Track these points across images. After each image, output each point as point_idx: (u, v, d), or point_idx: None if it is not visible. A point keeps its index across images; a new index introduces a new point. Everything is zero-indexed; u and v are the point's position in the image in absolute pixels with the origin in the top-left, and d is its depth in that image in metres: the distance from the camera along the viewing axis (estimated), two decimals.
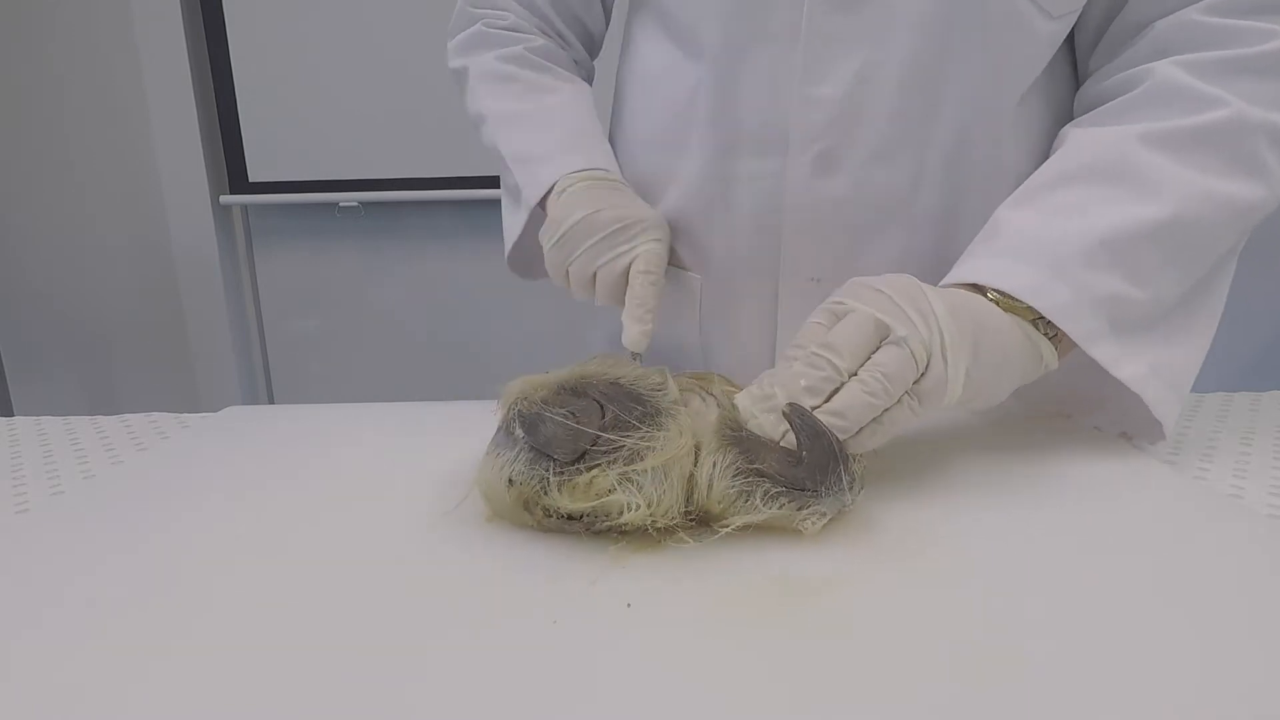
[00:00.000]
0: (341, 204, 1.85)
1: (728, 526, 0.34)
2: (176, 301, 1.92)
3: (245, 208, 1.91)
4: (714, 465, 0.35)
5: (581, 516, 0.34)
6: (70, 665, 0.27)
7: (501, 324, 1.93)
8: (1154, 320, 0.45)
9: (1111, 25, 0.50)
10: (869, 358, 0.37)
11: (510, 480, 0.35)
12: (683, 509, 0.34)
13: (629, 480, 0.33)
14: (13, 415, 0.61)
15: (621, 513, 0.33)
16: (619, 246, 0.53)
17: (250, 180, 1.83)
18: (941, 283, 0.45)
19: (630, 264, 0.53)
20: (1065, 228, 0.44)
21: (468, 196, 1.81)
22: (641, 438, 0.34)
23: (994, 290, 0.43)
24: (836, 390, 0.37)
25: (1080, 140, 0.48)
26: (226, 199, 1.84)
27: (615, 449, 0.34)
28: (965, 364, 0.38)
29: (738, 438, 0.36)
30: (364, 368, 2.01)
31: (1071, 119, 0.53)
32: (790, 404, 0.37)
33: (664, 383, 0.40)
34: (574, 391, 0.38)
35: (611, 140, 0.67)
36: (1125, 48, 0.50)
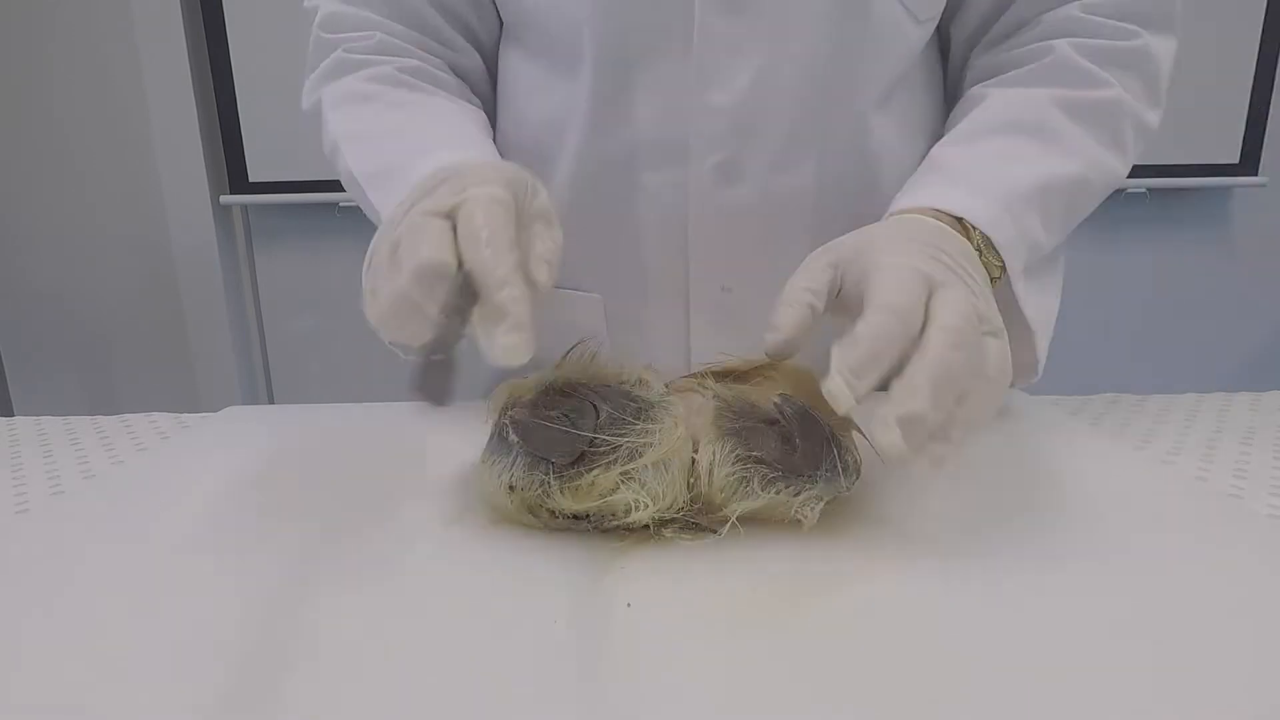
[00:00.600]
0: (341, 204, 1.84)
1: (727, 521, 0.34)
2: (176, 301, 1.92)
3: (245, 208, 1.91)
4: (714, 454, 0.35)
5: (588, 516, 0.34)
6: (71, 665, 0.27)
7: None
8: (1041, 267, 0.49)
9: (997, 23, 0.55)
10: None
11: (511, 486, 0.35)
12: (685, 501, 0.35)
13: (631, 478, 0.33)
14: (13, 415, 0.61)
15: (628, 511, 0.33)
16: (427, 200, 0.36)
17: (250, 180, 1.83)
18: (892, 208, 0.47)
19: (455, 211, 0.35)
20: (1006, 171, 0.47)
21: None
22: (638, 434, 0.34)
23: (949, 216, 0.44)
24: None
25: (1003, 98, 0.51)
26: (226, 199, 1.84)
27: (613, 449, 0.34)
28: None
29: (735, 428, 0.36)
30: (364, 368, 2.00)
31: (939, 112, 0.59)
32: (781, 394, 0.37)
33: (646, 378, 0.40)
34: (563, 392, 0.38)
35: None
36: (1011, 37, 0.54)
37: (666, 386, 0.43)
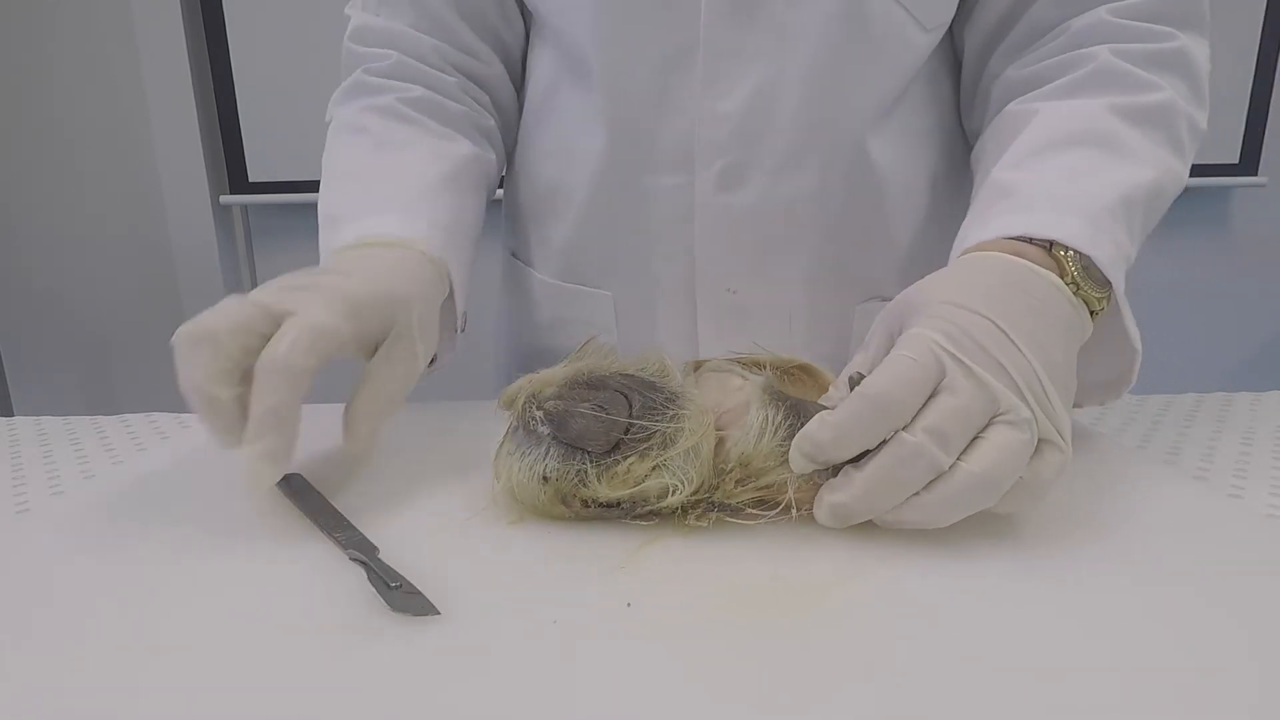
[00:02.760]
0: None
1: (753, 512, 0.35)
2: (176, 301, 1.92)
3: (245, 208, 1.91)
4: (766, 419, 0.35)
5: (619, 503, 0.35)
6: (70, 666, 0.27)
7: (502, 322, 1.93)
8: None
9: (1017, 27, 0.52)
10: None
11: (545, 477, 0.35)
12: (712, 484, 0.35)
13: (665, 464, 0.34)
14: (13, 415, 0.61)
15: (663, 496, 0.34)
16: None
17: (250, 180, 1.83)
18: (963, 244, 0.43)
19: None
20: (1083, 186, 0.43)
21: None
22: (671, 419, 0.35)
23: (1032, 244, 0.40)
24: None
25: (1057, 111, 0.48)
26: (226, 199, 1.84)
27: (648, 436, 0.35)
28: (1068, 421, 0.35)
29: (783, 396, 0.37)
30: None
31: (946, 124, 0.57)
32: (858, 372, 0.36)
33: (666, 368, 0.41)
34: (589, 385, 0.38)
35: (517, 149, 0.64)
36: (1037, 44, 0.52)
37: (697, 365, 0.44)
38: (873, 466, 0.32)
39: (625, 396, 0.37)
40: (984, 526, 0.36)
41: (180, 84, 1.77)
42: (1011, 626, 0.28)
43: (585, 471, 0.35)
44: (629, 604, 0.30)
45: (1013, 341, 0.34)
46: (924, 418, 0.32)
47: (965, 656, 0.26)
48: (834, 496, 0.33)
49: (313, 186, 0.55)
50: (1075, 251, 0.39)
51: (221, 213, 1.88)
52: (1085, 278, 0.39)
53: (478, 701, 0.25)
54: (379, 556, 0.33)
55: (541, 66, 0.60)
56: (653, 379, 0.39)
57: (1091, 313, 0.40)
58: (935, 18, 0.52)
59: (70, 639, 0.28)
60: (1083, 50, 0.49)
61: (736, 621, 0.29)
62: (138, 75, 1.78)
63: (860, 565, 0.33)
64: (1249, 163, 1.81)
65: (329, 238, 0.51)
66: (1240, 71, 1.75)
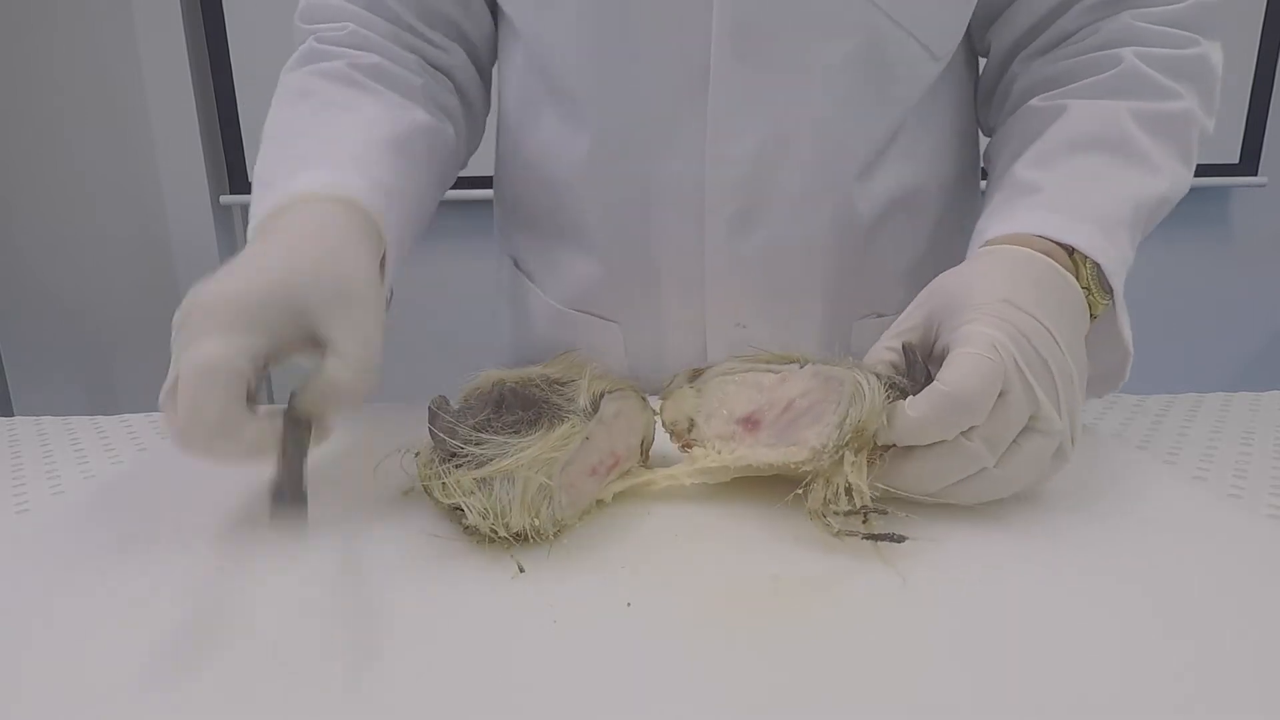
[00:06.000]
0: None
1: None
2: (177, 301, 1.89)
3: (245, 207, 1.90)
4: (873, 386, 0.35)
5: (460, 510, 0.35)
6: (70, 665, 0.27)
7: (502, 324, 1.93)
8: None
9: (1046, 33, 0.53)
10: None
11: (423, 472, 0.37)
12: (534, 519, 0.34)
13: (483, 484, 0.34)
14: (13, 415, 0.61)
15: (480, 521, 0.34)
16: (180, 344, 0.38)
17: (250, 180, 1.82)
18: (985, 235, 0.44)
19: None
20: (1101, 193, 0.45)
21: (468, 196, 1.79)
22: (496, 446, 0.34)
23: (1053, 243, 0.42)
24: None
25: (1081, 112, 0.48)
26: (226, 199, 1.84)
27: (480, 450, 0.35)
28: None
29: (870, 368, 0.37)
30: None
31: (949, 139, 0.57)
32: (906, 343, 0.38)
33: (571, 384, 0.38)
34: (487, 393, 0.38)
35: (500, 152, 0.63)
36: (1067, 44, 0.52)
37: (694, 375, 0.42)
38: (933, 459, 0.35)
39: (492, 406, 0.37)
40: (984, 526, 0.36)
41: (180, 84, 1.77)
42: (1011, 625, 0.28)
43: (437, 471, 0.35)
44: (629, 604, 0.30)
45: (1058, 344, 0.36)
46: (986, 427, 0.34)
47: (965, 655, 0.26)
48: (893, 474, 0.36)
49: None
50: (1090, 259, 0.42)
51: (221, 213, 1.88)
52: (1095, 283, 0.42)
53: (478, 701, 0.25)
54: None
55: (517, 75, 0.57)
56: (540, 394, 0.37)
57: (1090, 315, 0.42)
58: (944, 46, 0.52)
59: (70, 638, 0.28)
60: (1109, 51, 0.49)
61: (736, 621, 0.29)
62: (138, 75, 1.78)
63: (860, 565, 0.33)
64: (1249, 163, 1.81)
65: (256, 205, 0.45)
66: (1240, 71, 1.75)
